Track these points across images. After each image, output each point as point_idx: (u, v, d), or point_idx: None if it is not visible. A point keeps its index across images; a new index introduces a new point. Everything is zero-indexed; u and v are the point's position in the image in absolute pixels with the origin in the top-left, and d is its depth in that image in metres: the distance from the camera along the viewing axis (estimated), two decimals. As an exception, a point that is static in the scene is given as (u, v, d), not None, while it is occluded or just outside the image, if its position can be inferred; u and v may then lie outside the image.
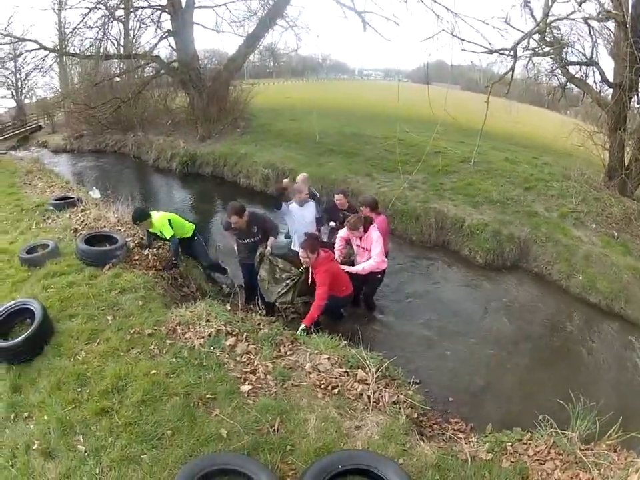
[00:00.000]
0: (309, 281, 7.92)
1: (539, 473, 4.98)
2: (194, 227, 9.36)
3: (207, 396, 5.43)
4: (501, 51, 15.14)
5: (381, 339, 8.61)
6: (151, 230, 8.88)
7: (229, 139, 21.15)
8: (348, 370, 6.18)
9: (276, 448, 4.85)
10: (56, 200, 11.49)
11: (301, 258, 7.82)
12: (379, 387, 5.96)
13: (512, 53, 14.76)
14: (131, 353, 6.00)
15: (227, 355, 6.20)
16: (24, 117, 31.05)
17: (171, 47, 22.90)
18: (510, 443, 5.50)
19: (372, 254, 8.29)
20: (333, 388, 5.86)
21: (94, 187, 13.99)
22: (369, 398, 5.76)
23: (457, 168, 16.56)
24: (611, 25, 14.80)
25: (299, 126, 21.39)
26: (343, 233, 8.73)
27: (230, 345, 6.40)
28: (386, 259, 8.64)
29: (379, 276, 8.73)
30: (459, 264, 12.26)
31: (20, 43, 21.68)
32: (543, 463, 5.17)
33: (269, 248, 8.31)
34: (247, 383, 5.78)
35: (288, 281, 8.08)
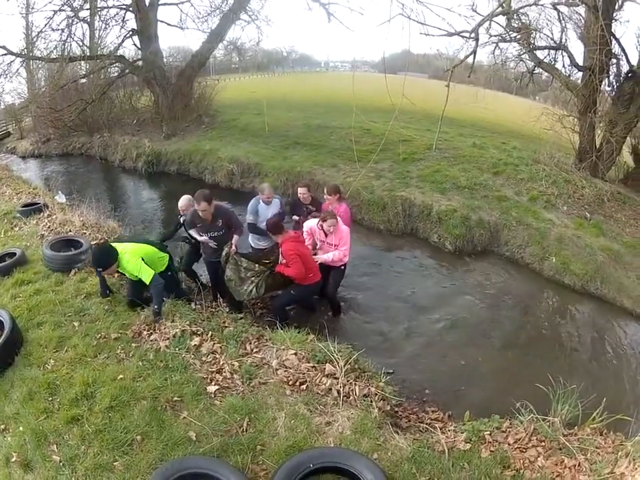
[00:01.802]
0: (278, 269, 7.63)
1: (521, 461, 4.77)
2: (168, 257, 7.56)
3: (174, 398, 5.22)
4: (462, 34, 14.59)
5: (349, 331, 8.32)
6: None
7: (194, 135, 20.67)
8: (316, 365, 5.95)
9: (245, 449, 4.64)
10: (23, 207, 11.19)
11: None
12: (348, 381, 5.73)
13: (473, 35, 14.20)
14: (98, 358, 5.82)
15: (192, 356, 5.99)
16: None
17: (135, 45, 22.28)
18: (488, 432, 5.28)
19: (341, 248, 8.02)
20: (301, 384, 5.64)
21: (60, 192, 13.56)
22: (338, 392, 5.53)
23: (423, 155, 16.15)
24: (581, 9, 14.61)
25: (264, 120, 20.64)
26: (307, 226, 8.38)
27: (195, 345, 6.18)
28: (347, 257, 8.34)
29: (343, 267, 8.39)
30: (428, 251, 11.93)
31: None
32: (524, 450, 4.96)
33: (234, 247, 7.86)
34: (213, 383, 5.57)
35: (253, 278, 7.77)
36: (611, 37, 13.43)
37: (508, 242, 11.80)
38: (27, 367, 5.65)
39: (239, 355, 6.05)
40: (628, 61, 13.91)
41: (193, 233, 8.09)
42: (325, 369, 5.80)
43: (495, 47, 16.75)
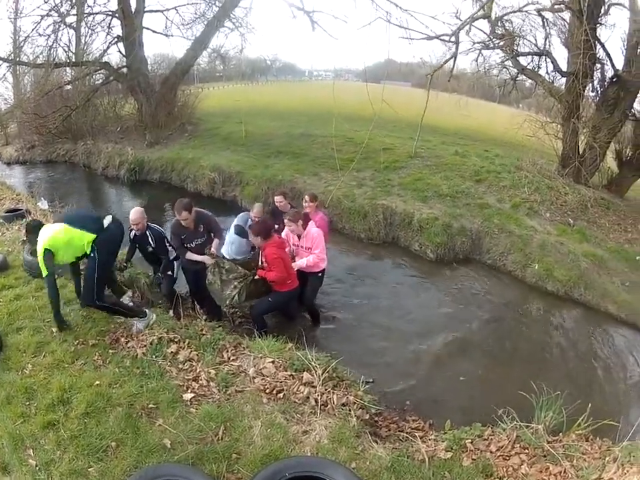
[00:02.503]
0: (259, 274, 7.50)
1: (504, 469, 4.61)
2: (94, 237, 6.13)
3: (150, 406, 5.06)
4: (442, 37, 14.55)
5: (328, 340, 8.12)
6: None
7: (176, 143, 20.46)
8: (293, 373, 5.79)
9: (221, 457, 4.47)
10: (6, 212, 11.08)
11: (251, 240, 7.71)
12: (326, 389, 5.56)
13: (454, 39, 14.23)
14: (75, 364, 5.65)
15: (169, 363, 5.85)
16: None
17: (120, 52, 22.04)
18: (469, 440, 5.11)
19: (314, 251, 7.85)
20: (278, 392, 5.48)
21: (42, 198, 13.53)
22: (316, 401, 5.37)
23: (405, 164, 15.92)
24: (565, 15, 14.52)
25: (247, 129, 20.58)
26: (283, 234, 8.23)
27: (172, 352, 6.04)
28: (326, 258, 8.18)
29: (320, 274, 8.22)
30: (410, 260, 11.76)
31: None
32: (507, 458, 4.79)
33: (213, 249, 7.70)
34: (189, 390, 5.41)
35: (235, 283, 7.58)
36: (596, 42, 13.41)
37: (490, 249, 11.67)
38: (6, 371, 5.49)
39: (215, 363, 5.91)
40: (613, 66, 13.90)
41: (191, 256, 7.73)
42: (302, 377, 5.65)
43: (478, 54, 16.73)
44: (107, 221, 6.21)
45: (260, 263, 7.50)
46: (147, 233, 7.74)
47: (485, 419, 5.61)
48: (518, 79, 16.79)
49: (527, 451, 4.80)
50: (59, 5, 19.98)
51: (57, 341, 5.99)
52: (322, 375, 5.62)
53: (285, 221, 7.79)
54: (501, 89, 18.23)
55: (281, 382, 5.58)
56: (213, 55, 26.02)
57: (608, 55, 13.91)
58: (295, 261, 7.96)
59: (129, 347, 6.05)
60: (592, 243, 11.56)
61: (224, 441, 4.67)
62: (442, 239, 11.64)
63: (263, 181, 15.10)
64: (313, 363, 5.78)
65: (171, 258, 7.98)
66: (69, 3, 20.27)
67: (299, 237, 7.89)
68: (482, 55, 16.74)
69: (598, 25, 13.48)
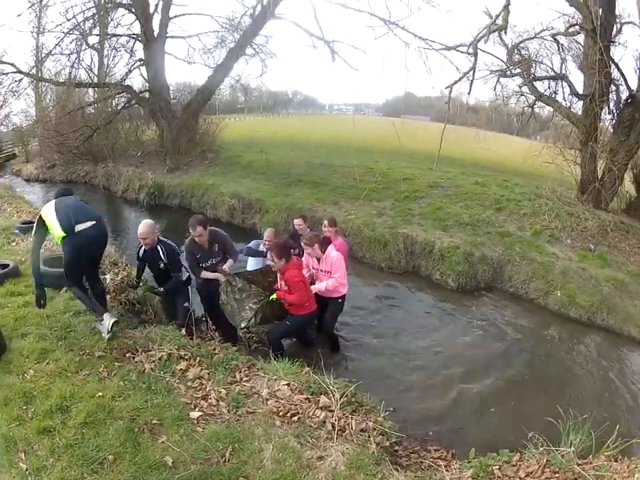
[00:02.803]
0: (279, 294, 7.20)
1: None
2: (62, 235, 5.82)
3: (154, 421, 4.72)
4: (459, 47, 14.84)
5: (347, 367, 7.88)
6: None
7: (197, 170, 20.34)
8: (309, 396, 5.43)
9: (226, 479, 4.12)
10: (22, 224, 10.85)
11: (270, 263, 7.30)
12: (344, 414, 5.18)
13: (471, 50, 14.19)
14: (79, 374, 5.35)
15: (177, 380, 5.51)
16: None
17: (142, 76, 22.28)
18: (497, 467, 4.78)
19: (334, 275, 7.59)
20: (293, 415, 5.10)
21: None
22: (332, 425, 5.00)
23: (425, 193, 15.85)
24: (580, 38, 14.74)
25: (267, 158, 20.55)
26: (304, 258, 8.03)
27: (181, 369, 5.70)
28: (346, 284, 7.92)
29: (340, 300, 7.94)
30: (431, 289, 11.52)
31: None
32: None
33: (225, 267, 7.45)
34: (197, 409, 5.05)
35: (250, 304, 7.35)
36: (610, 62, 13.44)
37: (512, 277, 11.48)
38: (6, 374, 5.28)
39: (227, 383, 5.59)
40: (628, 86, 13.95)
41: (204, 275, 7.51)
42: (319, 400, 5.33)
43: (496, 83, 16.79)
44: (82, 226, 5.77)
45: (279, 287, 7.21)
46: (158, 247, 7.22)
47: (511, 446, 5.33)
48: (536, 106, 16.87)
49: (557, 475, 4.52)
50: (82, 23, 20.22)
51: (61, 350, 5.75)
52: (340, 399, 5.32)
53: (302, 243, 7.64)
54: (518, 120, 18.29)
55: (296, 405, 5.27)
56: (235, 86, 26.18)
57: (622, 74, 14.02)
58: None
59: (136, 362, 5.79)
60: (613, 268, 11.43)
61: (231, 463, 4.34)
62: (463, 268, 11.47)
63: (283, 209, 14.96)
64: (331, 387, 5.49)
65: (184, 279, 7.65)
66: (92, 21, 20.46)
67: (319, 260, 7.69)
68: (500, 83, 16.84)
69: (611, 44, 13.56)
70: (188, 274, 7.73)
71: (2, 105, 22.19)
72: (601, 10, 12.85)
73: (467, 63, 17.94)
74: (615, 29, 13.69)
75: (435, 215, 13.88)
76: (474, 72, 14.34)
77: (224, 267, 7.42)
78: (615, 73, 13.80)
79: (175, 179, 19.63)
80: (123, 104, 22.84)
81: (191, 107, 22.27)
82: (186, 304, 7.53)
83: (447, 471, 4.82)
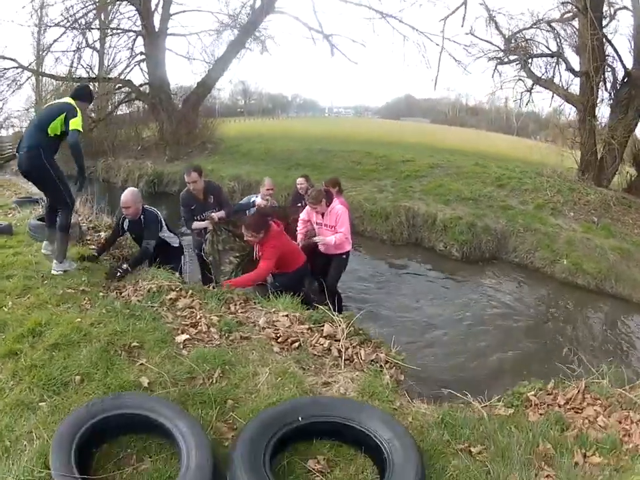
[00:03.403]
0: (255, 258, 6.45)
1: (581, 422, 3.67)
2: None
3: (133, 344, 4.12)
4: None
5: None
6: None
7: (196, 159, 19.52)
8: (312, 326, 4.77)
9: (211, 402, 3.46)
10: (20, 199, 10.75)
11: (245, 238, 6.38)
12: (351, 344, 4.51)
13: None
14: (60, 307, 4.83)
15: (165, 309, 4.90)
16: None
17: (142, 70, 21.92)
18: (532, 393, 4.09)
19: (339, 229, 7.01)
20: (293, 342, 4.44)
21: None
22: (339, 352, 4.35)
23: (426, 173, 15.47)
24: (575, 23, 14.87)
25: (267, 147, 20.25)
26: (303, 215, 7.49)
27: (171, 298, 5.09)
28: (350, 240, 7.40)
29: (344, 256, 7.38)
30: (435, 260, 11.15)
31: None
32: (579, 410, 3.86)
33: (214, 215, 6.92)
34: (184, 334, 4.41)
35: (231, 258, 6.76)
36: (604, 39, 13.81)
37: (516, 248, 11.18)
38: None
39: (220, 312, 4.96)
40: (623, 65, 14.17)
41: (196, 225, 7.10)
42: (322, 329, 4.68)
43: (494, 71, 16.95)
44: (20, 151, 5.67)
45: (256, 256, 6.40)
46: (141, 218, 6.33)
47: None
48: (533, 89, 16.66)
49: (599, 401, 3.92)
50: (81, 19, 19.96)
51: (45, 287, 5.30)
52: (346, 328, 4.66)
53: (308, 202, 7.08)
54: (518, 120, 18.43)
55: (297, 333, 4.61)
56: (236, 90, 26.08)
57: (618, 54, 14.22)
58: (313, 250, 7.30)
59: (123, 296, 5.25)
60: (617, 238, 11.19)
61: (219, 385, 3.72)
62: (467, 237, 11.17)
63: (283, 188, 14.16)
64: (335, 316, 4.87)
65: (176, 245, 6.93)
66: (92, 15, 20.29)
67: (323, 215, 7.11)
68: (497, 70, 16.92)
69: (604, 20, 13.99)
70: (179, 242, 7.07)
71: (2, 106, 21.87)
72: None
73: (464, 54, 17.89)
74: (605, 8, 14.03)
75: (436, 191, 13.57)
76: (465, 6, 15.58)
77: (213, 214, 6.94)
78: (609, 51, 14.13)
79: (174, 167, 19.13)
80: (122, 98, 22.68)
81: (190, 100, 21.99)
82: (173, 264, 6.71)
83: (475, 402, 4.07)
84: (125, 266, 5.90)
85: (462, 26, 16.31)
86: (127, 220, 6.43)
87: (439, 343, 7.17)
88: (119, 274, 5.72)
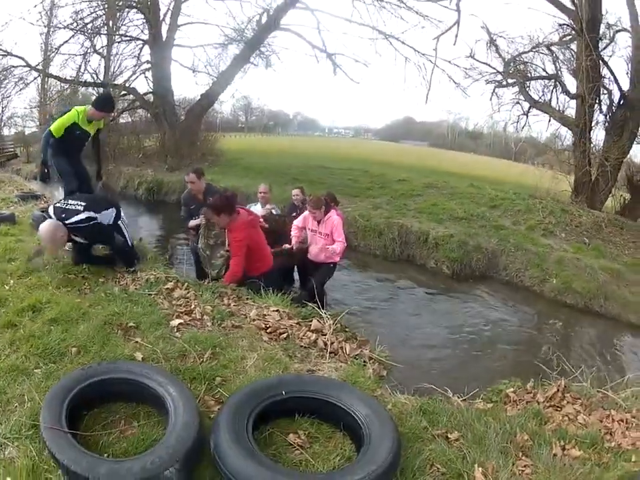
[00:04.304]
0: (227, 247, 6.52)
1: (560, 418, 3.76)
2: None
3: (129, 324, 4.29)
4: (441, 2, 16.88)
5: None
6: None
7: None
8: (300, 320, 4.98)
9: (201, 377, 3.62)
10: (22, 193, 11.05)
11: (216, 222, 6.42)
12: (337, 339, 4.69)
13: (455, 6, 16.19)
14: (60, 289, 5.03)
15: (162, 297, 5.09)
16: (2, 142, 29.48)
17: (147, 79, 21.90)
18: (511, 390, 4.26)
19: (337, 238, 7.23)
20: (282, 333, 4.62)
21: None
22: (325, 344, 4.52)
23: (420, 192, 15.66)
24: (573, 46, 15.23)
25: (266, 161, 20.61)
26: (298, 221, 7.70)
27: (167, 288, 5.30)
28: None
29: (332, 265, 7.60)
30: (426, 276, 11.18)
31: (6, 56, 20.18)
32: (559, 408, 3.95)
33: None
34: (178, 319, 4.58)
35: (222, 251, 6.68)
36: (600, 60, 14.09)
37: (507, 266, 11.19)
38: None
39: (213, 303, 5.12)
40: (619, 88, 14.40)
41: (191, 223, 7.24)
42: (310, 324, 4.85)
43: (492, 94, 17.35)
44: None
45: (226, 247, 6.46)
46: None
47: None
48: (530, 112, 16.90)
49: (579, 400, 4.03)
50: (90, 24, 20.14)
51: (47, 271, 5.50)
52: (333, 324, 4.85)
53: (308, 207, 7.28)
54: (514, 125, 18.53)
55: (286, 327, 4.77)
56: (238, 105, 26.20)
57: (614, 76, 14.55)
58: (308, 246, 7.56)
59: (121, 284, 5.42)
60: (608, 259, 11.22)
61: (209, 364, 3.85)
62: (458, 254, 11.17)
63: (280, 201, 14.48)
64: (323, 313, 5.06)
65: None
66: (100, 20, 20.41)
67: (319, 222, 7.32)
68: (495, 93, 17.29)
69: (603, 42, 14.34)
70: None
71: (7, 104, 21.87)
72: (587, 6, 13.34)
73: (462, 77, 18.18)
74: (601, 27, 14.29)
75: (430, 210, 13.65)
76: (458, 26, 16.04)
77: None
78: (605, 72, 14.50)
79: (174, 177, 19.06)
80: (126, 106, 22.52)
81: (194, 111, 22.08)
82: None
83: (455, 397, 4.19)
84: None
85: (454, 44, 16.84)
86: None
87: (423, 350, 7.23)
88: None
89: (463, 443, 3.27)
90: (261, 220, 7.26)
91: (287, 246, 7.52)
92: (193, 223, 7.18)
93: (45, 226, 5.31)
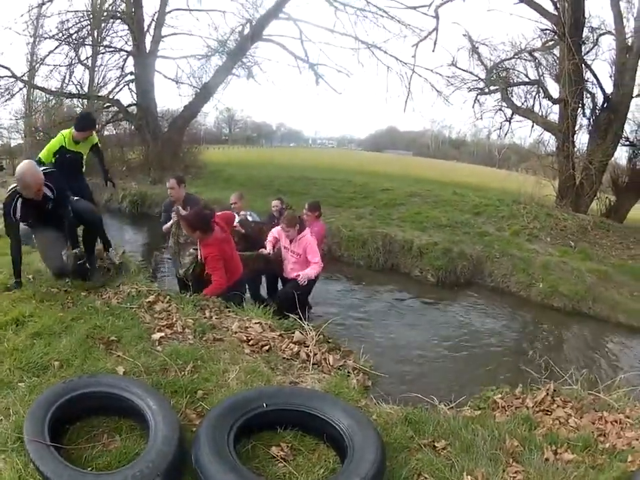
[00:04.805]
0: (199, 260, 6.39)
1: (551, 422, 3.72)
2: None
3: (111, 338, 4.24)
4: (420, 8, 17.55)
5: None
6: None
7: None
8: (283, 332, 4.91)
9: (182, 391, 3.57)
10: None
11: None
12: (320, 350, 4.63)
13: (433, 13, 16.73)
14: (44, 302, 5.00)
15: (143, 310, 5.03)
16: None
17: (131, 90, 21.87)
18: (499, 396, 4.22)
19: (312, 259, 7.17)
20: (264, 346, 4.55)
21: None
22: (307, 356, 4.46)
23: (404, 201, 15.69)
24: (556, 51, 15.35)
25: (249, 173, 20.55)
26: (274, 231, 7.72)
27: (149, 301, 5.21)
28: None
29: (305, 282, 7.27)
30: (410, 285, 11.10)
31: None
32: (549, 412, 3.91)
33: (181, 210, 6.71)
34: (160, 332, 4.52)
35: (192, 249, 6.61)
36: (582, 64, 14.25)
37: (492, 273, 11.20)
38: None
39: (195, 316, 5.03)
40: (603, 91, 14.63)
41: (166, 226, 7.25)
42: (292, 336, 4.80)
43: (475, 101, 17.49)
44: None
45: (199, 260, 6.34)
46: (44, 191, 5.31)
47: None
48: (513, 118, 17.13)
49: (570, 404, 4.00)
50: (75, 34, 20.05)
51: (30, 285, 5.47)
52: (316, 336, 4.79)
53: (281, 224, 7.24)
54: (497, 133, 18.65)
55: (268, 339, 4.71)
56: (221, 117, 26.11)
57: (597, 80, 14.84)
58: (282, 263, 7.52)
59: (103, 297, 5.34)
60: (595, 261, 11.31)
61: (190, 377, 3.80)
62: (442, 262, 11.14)
63: (263, 212, 14.47)
64: (305, 325, 4.99)
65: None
66: (86, 31, 20.37)
67: (291, 241, 7.27)
68: (478, 101, 17.40)
69: (586, 47, 14.62)
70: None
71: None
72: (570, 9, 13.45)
73: (445, 86, 18.27)
74: (584, 31, 14.56)
75: (414, 218, 13.71)
76: (437, 32, 16.50)
77: (180, 209, 6.80)
78: (588, 76, 14.73)
79: (157, 189, 18.97)
80: (110, 118, 22.62)
81: (176, 123, 22.03)
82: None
83: (441, 405, 4.13)
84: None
85: (433, 51, 17.22)
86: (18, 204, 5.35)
87: (409, 359, 7.14)
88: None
89: (451, 451, 3.23)
90: (237, 225, 7.34)
91: (264, 250, 7.48)
92: (166, 226, 7.18)
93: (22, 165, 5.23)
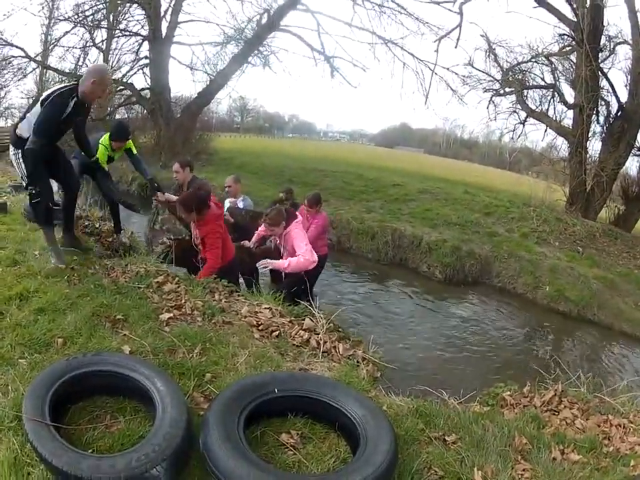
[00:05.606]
0: (193, 243, 6.23)
1: (558, 422, 3.66)
2: None
3: (118, 317, 4.08)
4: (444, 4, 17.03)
5: None
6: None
7: None
8: (293, 319, 4.78)
9: (190, 373, 3.43)
10: (15, 184, 10.28)
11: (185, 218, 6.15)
12: (330, 338, 4.52)
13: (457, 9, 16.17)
14: (49, 279, 4.77)
15: (152, 290, 4.86)
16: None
17: (145, 74, 21.97)
18: (508, 394, 4.17)
19: (298, 251, 6.51)
20: (274, 331, 4.44)
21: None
22: (317, 344, 4.34)
23: (415, 197, 15.65)
24: (572, 57, 15.20)
25: (261, 161, 20.47)
26: (262, 229, 7.09)
27: (158, 282, 5.05)
28: (316, 259, 6.71)
29: (301, 275, 6.68)
30: (418, 279, 11.11)
31: (6, 47, 20.09)
32: (556, 412, 3.84)
33: (166, 193, 6.92)
34: (168, 313, 4.40)
35: (165, 238, 6.52)
36: (599, 71, 14.12)
37: (500, 273, 11.21)
38: None
39: (204, 298, 4.90)
40: (617, 99, 14.50)
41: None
42: (303, 323, 4.69)
43: (489, 102, 17.34)
44: None
45: (193, 242, 6.20)
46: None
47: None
48: (526, 121, 17.06)
49: (577, 405, 3.96)
50: (91, 17, 20.15)
51: (36, 261, 5.28)
52: (326, 324, 4.67)
53: (264, 224, 6.66)
54: (510, 135, 18.53)
55: (278, 324, 4.61)
56: (234, 106, 25.93)
57: (613, 88, 14.68)
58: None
59: (111, 276, 5.18)
60: (602, 268, 11.26)
61: (198, 359, 3.70)
62: (451, 260, 11.14)
63: (272, 202, 14.52)
64: (316, 312, 4.85)
65: None
66: (101, 14, 20.42)
67: (280, 237, 6.74)
68: (493, 102, 17.29)
69: (603, 54, 14.45)
70: None
71: (4, 95, 21.70)
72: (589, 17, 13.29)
73: (460, 85, 18.14)
74: (602, 39, 14.38)
75: (424, 215, 13.67)
76: (460, 29, 16.06)
77: (162, 194, 6.92)
78: (604, 83, 14.58)
79: (167, 173, 18.93)
80: (122, 101, 22.65)
81: (190, 109, 21.99)
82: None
83: (451, 399, 4.06)
84: None
85: (455, 47, 16.84)
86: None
87: (416, 352, 7.13)
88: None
89: (461, 445, 3.17)
90: (226, 214, 7.06)
91: (246, 243, 7.05)
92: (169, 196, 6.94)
93: None
